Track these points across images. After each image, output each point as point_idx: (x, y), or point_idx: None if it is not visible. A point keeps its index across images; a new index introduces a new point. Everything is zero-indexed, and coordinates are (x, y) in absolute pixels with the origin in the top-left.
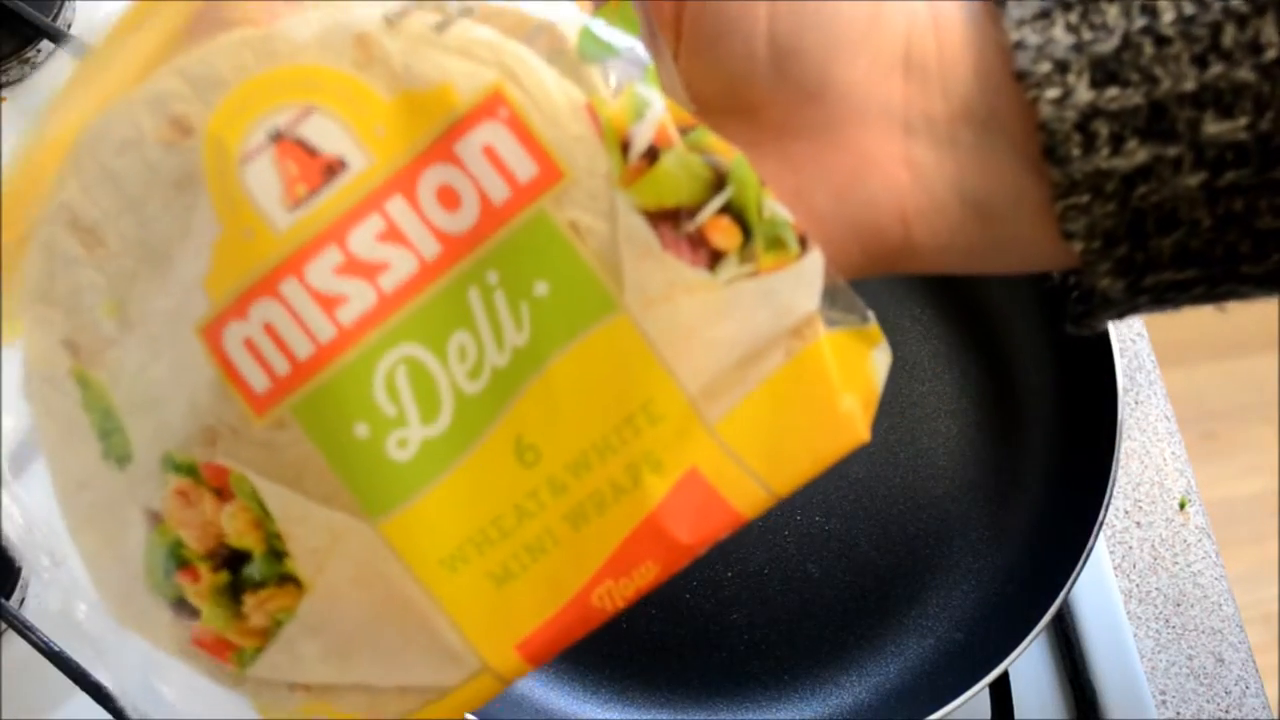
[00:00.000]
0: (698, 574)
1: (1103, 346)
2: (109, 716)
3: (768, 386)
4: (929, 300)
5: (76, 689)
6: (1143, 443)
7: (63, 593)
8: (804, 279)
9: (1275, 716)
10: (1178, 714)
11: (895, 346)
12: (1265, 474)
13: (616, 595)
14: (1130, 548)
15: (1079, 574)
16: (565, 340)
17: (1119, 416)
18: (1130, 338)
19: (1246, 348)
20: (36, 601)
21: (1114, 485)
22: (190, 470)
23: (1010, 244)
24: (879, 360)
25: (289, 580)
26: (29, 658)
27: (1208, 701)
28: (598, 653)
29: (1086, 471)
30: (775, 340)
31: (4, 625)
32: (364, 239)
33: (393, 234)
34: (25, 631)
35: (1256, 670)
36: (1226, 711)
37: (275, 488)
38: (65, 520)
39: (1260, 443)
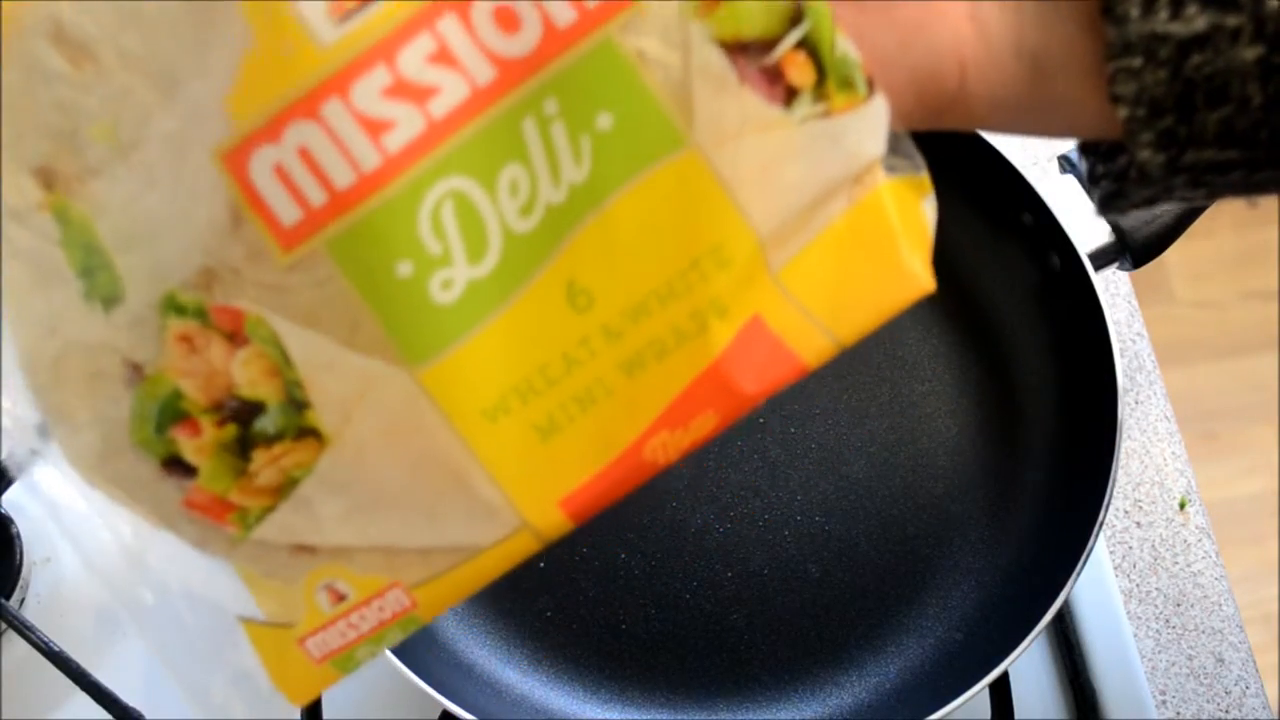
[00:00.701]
0: (698, 574)
1: (1103, 346)
2: (109, 716)
3: (830, 234)
4: (929, 300)
5: (76, 689)
6: (1143, 443)
7: (19, 449)
8: (871, 123)
9: (1275, 717)
10: (1178, 714)
11: (895, 346)
12: (1265, 474)
13: (671, 447)
14: (1130, 548)
15: (1079, 574)
16: (628, 176)
17: (1119, 416)
18: (1130, 338)
19: (1246, 348)
20: (36, 601)
21: (1114, 485)
22: (197, 312)
23: (1058, 104)
24: (929, 211)
25: (309, 433)
26: (29, 658)
27: (1208, 701)
28: (598, 653)
29: (1086, 471)
30: (839, 185)
31: (4, 625)
32: (414, 59)
33: (444, 56)
34: (25, 631)
35: (1256, 670)
36: (1226, 711)
37: (300, 331)
38: (26, 373)
39: (1260, 443)
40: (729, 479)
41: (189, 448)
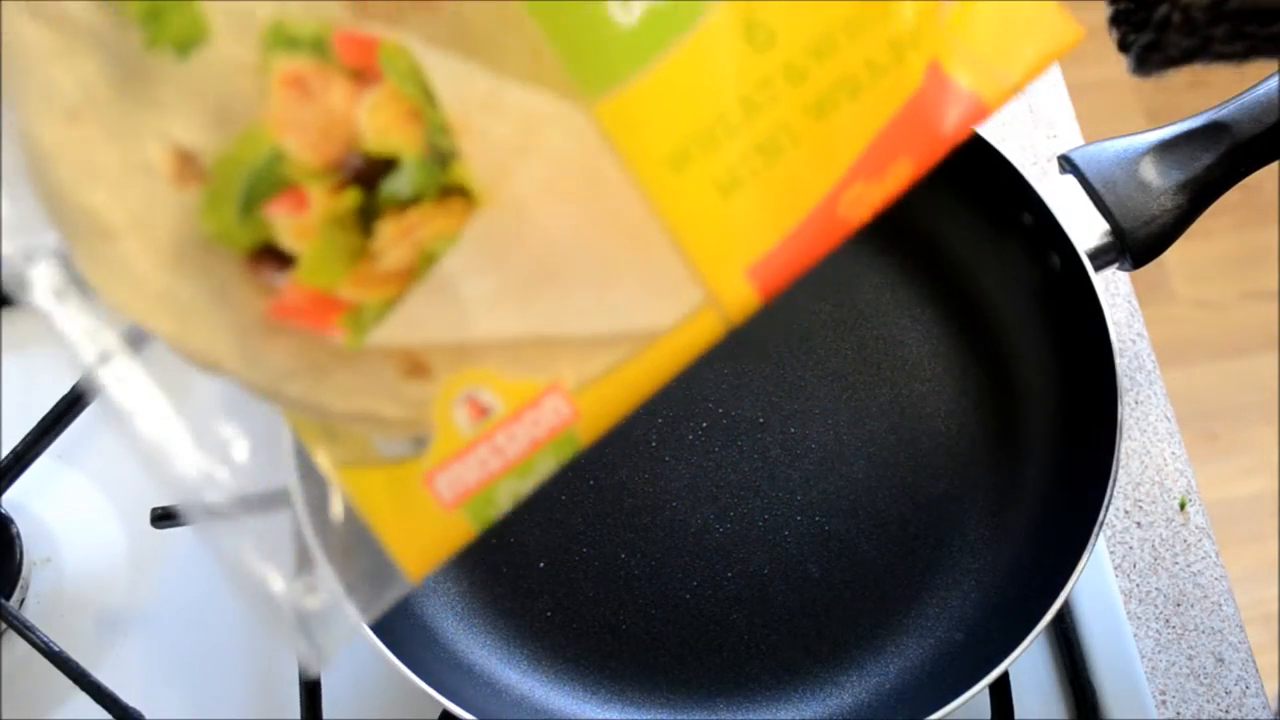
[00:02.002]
0: (698, 574)
1: (1103, 346)
2: (109, 716)
3: None
4: (929, 300)
5: (76, 689)
6: (1143, 443)
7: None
8: None
9: (1275, 718)
10: (1178, 714)
11: (895, 346)
12: (1265, 474)
13: (867, 201)
14: (1130, 548)
15: (1079, 574)
16: None
17: (1119, 416)
18: (1130, 338)
19: (1246, 348)
20: (36, 601)
21: (1114, 485)
22: (316, 45)
23: None
24: None
25: (454, 193)
26: (29, 658)
27: (1208, 701)
28: (598, 653)
29: (1086, 472)
30: None
31: (4, 625)
32: None
33: None
34: (25, 631)
35: (1256, 670)
36: (1226, 711)
37: (450, 60)
38: (37, 170)
39: (1260, 443)
40: (729, 479)
41: (289, 228)
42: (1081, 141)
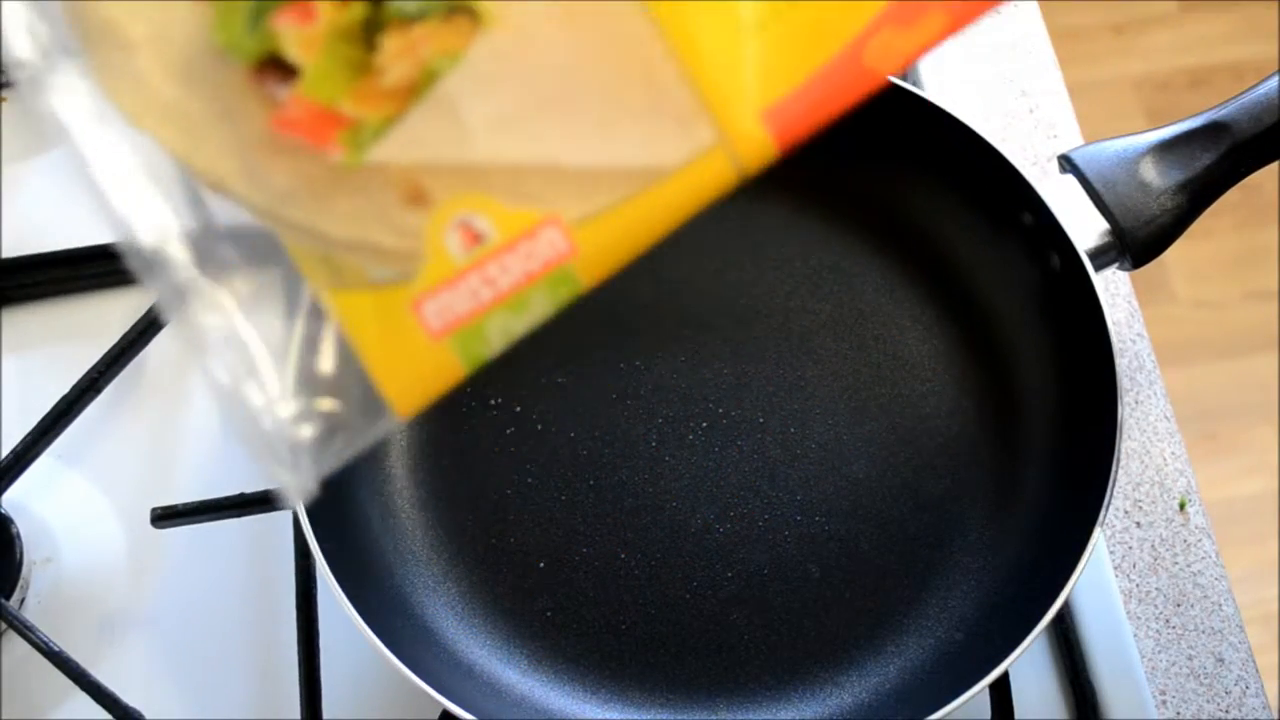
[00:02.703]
0: (698, 574)
1: (1103, 346)
2: (109, 716)
3: None
4: (929, 300)
5: (76, 689)
6: (1143, 443)
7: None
8: None
9: (1275, 718)
10: (1178, 714)
11: (895, 346)
12: (1265, 474)
13: (895, 51)
14: (1130, 548)
15: (1079, 574)
16: None
17: (1119, 416)
18: (1130, 338)
19: (1246, 348)
20: (36, 601)
21: (1114, 485)
22: None
23: None
24: None
25: (461, 11)
26: (29, 658)
27: (1208, 701)
28: (598, 653)
29: (1086, 472)
30: None
31: (4, 625)
32: None
33: None
34: (25, 631)
35: (1256, 670)
36: (1226, 711)
37: None
38: None
39: (1260, 443)
40: (729, 479)
41: (295, 39)
42: (1081, 141)
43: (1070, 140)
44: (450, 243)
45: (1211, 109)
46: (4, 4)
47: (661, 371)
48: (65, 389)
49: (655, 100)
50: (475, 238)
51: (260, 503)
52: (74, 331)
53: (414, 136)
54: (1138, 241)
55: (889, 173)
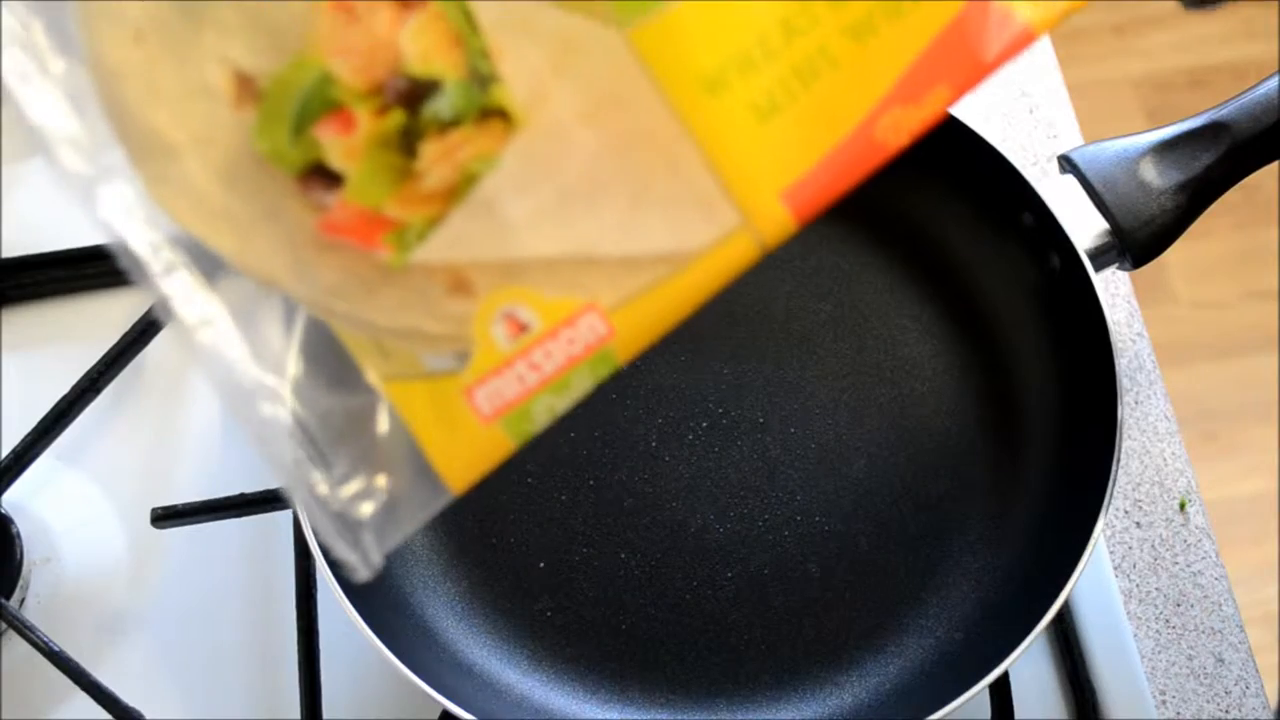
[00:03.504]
0: (698, 574)
1: (1103, 346)
2: (109, 716)
3: None
4: (929, 300)
5: (76, 689)
6: (1143, 443)
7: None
8: None
9: (1275, 717)
10: (1178, 714)
11: (895, 346)
12: (1265, 474)
13: (904, 127)
14: (1130, 548)
15: (1079, 574)
16: None
17: (1119, 416)
18: (1130, 338)
19: (1246, 348)
20: (36, 601)
21: (1114, 485)
22: None
23: None
24: None
25: (494, 115)
26: (29, 658)
27: (1208, 701)
28: (598, 653)
29: (1086, 472)
30: None
31: (4, 625)
32: None
33: None
34: (25, 631)
35: (1256, 670)
36: (1226, 711)
37: None
38: (102, 91)
39: (1260, 443)
40: (729, 479)
41: (337, 149)
42: (1081, 141)
43: (1070, 140)
44: (496, 333)
45: (1211, 109)
46: (48, 119)
47: (661, 371)
48: (65, 389)
49: (682, 190)
50: (520, 328)
51: (260, 503)
52: (74, 331)
53: (457, 236)
54: (1138, 242)
55: (889, 173)
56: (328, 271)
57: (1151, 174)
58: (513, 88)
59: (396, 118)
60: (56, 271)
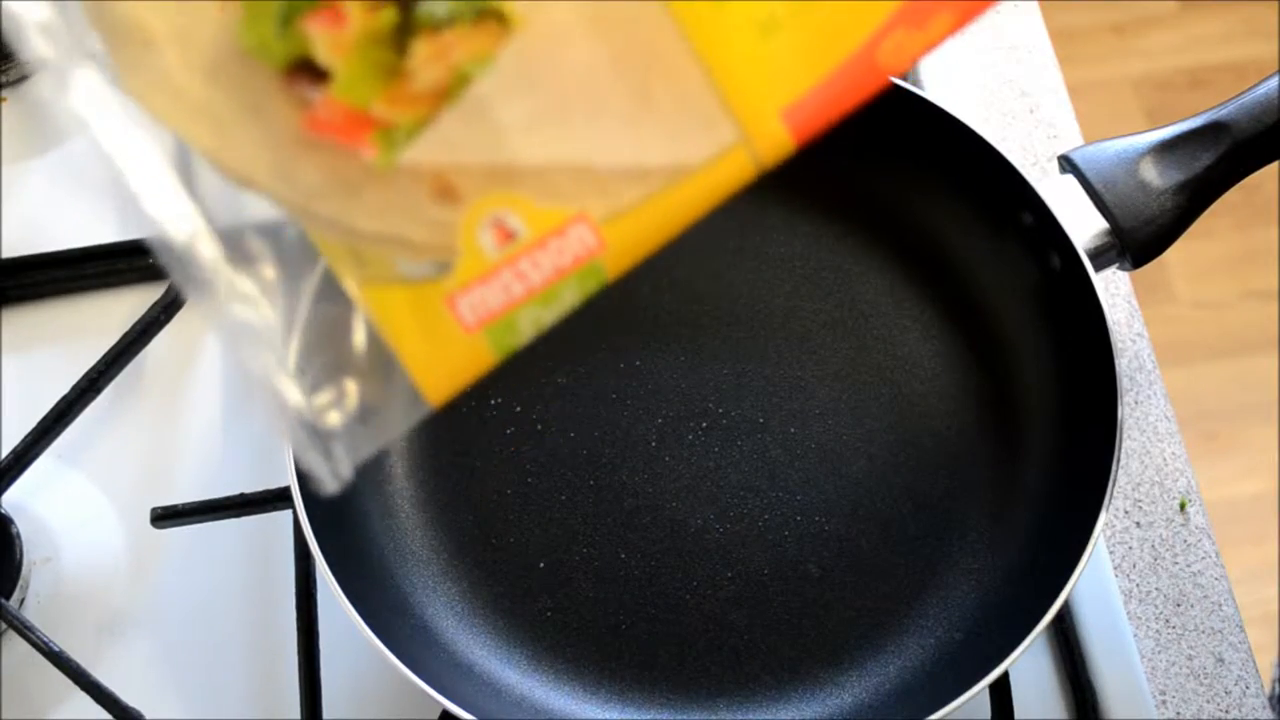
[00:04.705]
0: (698, 574)
1: (1103, 346)
2: (109, 716)
3: None
4: (929, 300)
5: (76, 689)
6: (1143, 443)
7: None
8: None
9: (1275, 717)
10: (1178, 714)
11: (895, 346)
12: (1265, 474)
13: (906, 50)
14: (1130, 548)
15: (1079, 574)
16: None
17: (1119, 416)
18: (1130, 338)
19: (1246, 348)
20: (36, 601)
21: (1114, 485)
22: None
23: None
24: None
25: (491, 15)
26: (29, 658)
27: (1208, 701)
28: (598, 653)
29: (1086, 472)
30: None
31: (4, 625)
32: None
33: None
34: (25, 631)
35: (1256, 670)
36: (1226, 711)
37: None
38: None
39: (1260, 443)
40: (729, 479)
41: (326, 43)
42: (1081, 141)
43: (1070, 140)
44: (483, 240)
45: (1211, 109)
46: (19, 2)
47: (661, 371)
48: (65, 389)
49: (680, 102)
50: (508, 235)
51: (260, 503)
52: (74, 331)
53: (446, 138)
54: (1138, 241)
55: (889, 173)
56: (309, 172)
57: (1151, 174)
58: None
59: (389, 14)
60: (56, 271)
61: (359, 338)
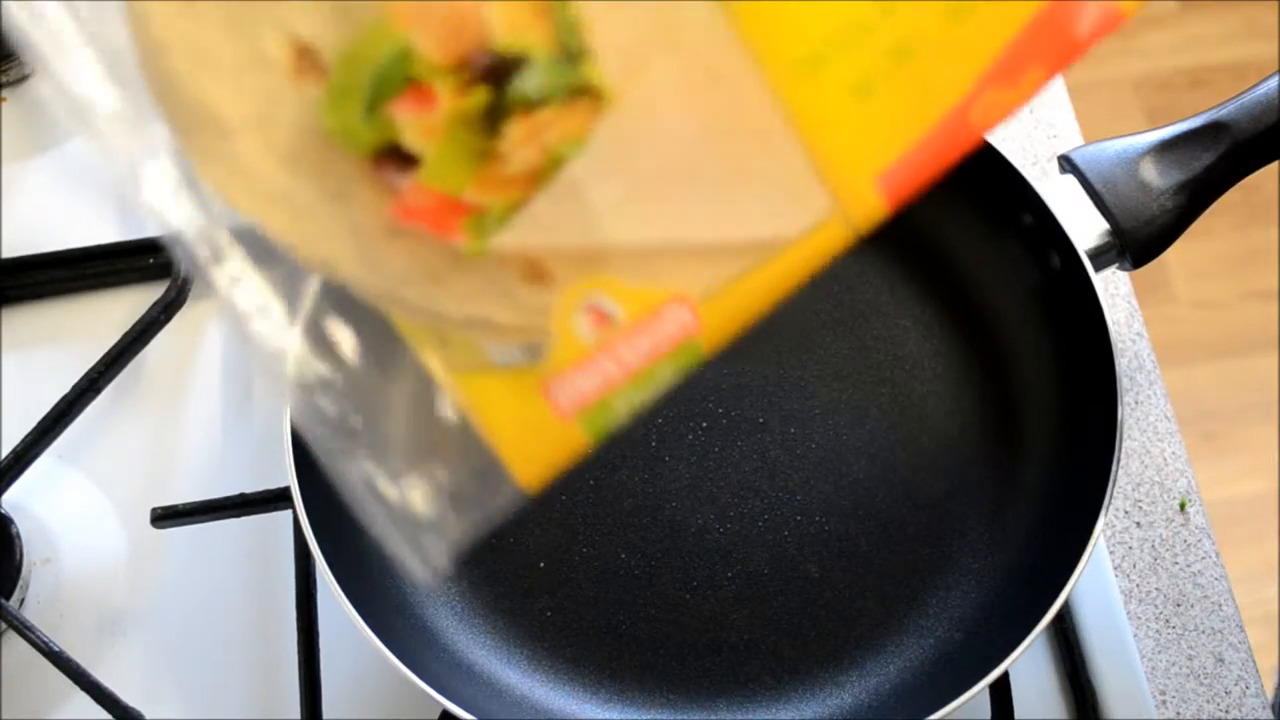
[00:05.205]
0: (698, 574)
1: (1103, 346)
2: (109, 716)
3: None
4: (929, 300)
5: (76, 689)
6: (1143, 443)
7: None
8: None
9: (1274, 717)
10: (1178, 714)
11: (895, 346)
12: (1265, 474)
13: (998, 108)
14: (1130, 548)
15: (1079, 574)
16: None
17: (1119, 416)
18: (1130, 338)
19: (1246, 348)
20: (36, 601)
21: (1114, 485)
22: None
23: None
24: None
25: (583, 93)
26: (29, 658)
27: (1208, 701)
28: (598, 653)
29: (1086, 472)
30: None
31: (4, 625)
32: None
33: None
34: (25, 631)
35: (1256, 670)
36: (1226, 711)
37: None
38: (146, 64)
39: (1260, 443)
40: (729, 479)
41: (415, 128)
42: (1081, 141)
43: (1070, 140)
44: (579, 325)
45: (1211, 109)
46: (88, 92)
47: None
48: (65, 389)
49: (776, 174)
50: (604, 319)
51: (260, 503)
52: (74, 331)
53: (540, 222)
54: (1138, 241)
55: None
56: (395, 259)
57: (1151, 174)
58: (604, 63)
59: (481, 95)
60: (56, 271)
61: (445, 423)
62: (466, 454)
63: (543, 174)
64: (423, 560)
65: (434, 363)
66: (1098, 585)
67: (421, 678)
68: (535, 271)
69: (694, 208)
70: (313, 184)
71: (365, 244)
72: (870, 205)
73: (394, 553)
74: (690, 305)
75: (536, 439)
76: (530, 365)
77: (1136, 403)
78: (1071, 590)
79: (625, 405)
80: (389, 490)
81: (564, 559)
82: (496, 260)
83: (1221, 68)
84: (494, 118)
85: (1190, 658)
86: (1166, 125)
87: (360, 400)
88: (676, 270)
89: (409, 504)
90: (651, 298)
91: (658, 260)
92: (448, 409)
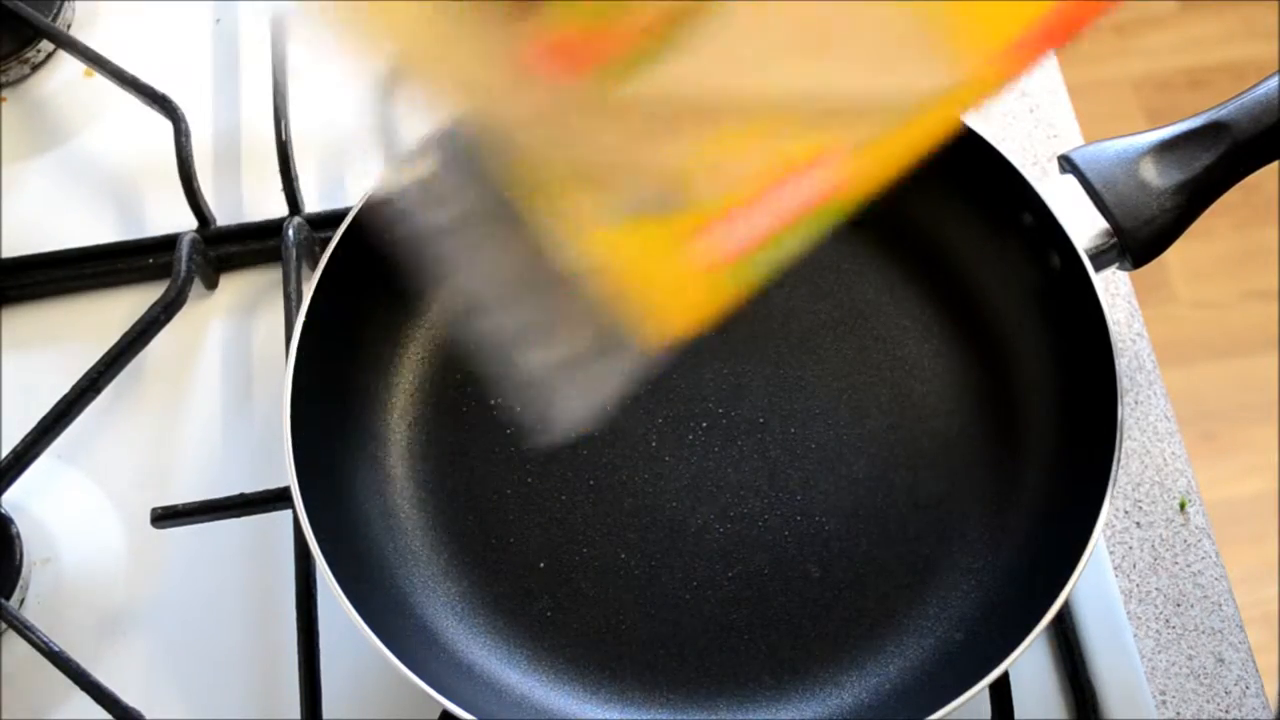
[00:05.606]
0: (698, 574)
1: (1103, 346)
2: (109, 716)
3: None
4: (929, 300)
5: (76, 689)
6: (1143, 443)
7: None
8: None
9: (1274, 716)
10: (1178, 714)
11: (895, 346)
12: (1265, 474)
13: None
14: (1130, 548)
15: (1079, 574)
16: None
17: (1119, 416)
18: (1130, 338)
19: (1246, 348)
20: (36, 601)
21: (1114, 485)
22: None
23: None
24: None
25: None
26: (29, 658)
27: (1208, 701)
28: (598, 653)
29: (1086, 471)
30: None
31: (4, 625)
32: None
33: None
34: (25, 631)
35: (1256, 670)
36: (1226, 711)
37: None
38: None
39: (1260, 443)
40: (729, 479)
41: None
42: (1081, 141)
43: (1070, 140)
44: (721, 178)
45: (1211, 109)
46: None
47: (661, 372)
48: (65, 389)
49: (912, 40)
50: (746, 175)
51: (260, 503)
52: (74, 331)
53: (680, 71)
54: (1138, 241)
55: None
56: (546, 87)
57: (1151, 174)
58: None
59: None
60: (56, 271)
61: (582, 277)
62: (603, 311)
63: (685, 22)
64: (554, 417)
65: (572, 212)
66: (1098, 585)
67: (421, 678)
68: (679, 122)
69: (835, 69)
70: (453, 19)
71: (501, 83)
72: (991, 80)
73: (522, 412)
74: (832, 163)
75: (677, 292)
76: (672, 217)
77: (1136, 403)
78: (1071, 590)
79: (765, 261)
80: (527, 351)
81: (564, 559)
82: (635, 108)
83: (1221, 68)
84: None
85: (1190, 658)
86: (1166, 125)
87: (493, 261)
88: (818, 129)
89: (547, 363)
90: (794, 155)
91: (799, 118)
92: (573, 267)
